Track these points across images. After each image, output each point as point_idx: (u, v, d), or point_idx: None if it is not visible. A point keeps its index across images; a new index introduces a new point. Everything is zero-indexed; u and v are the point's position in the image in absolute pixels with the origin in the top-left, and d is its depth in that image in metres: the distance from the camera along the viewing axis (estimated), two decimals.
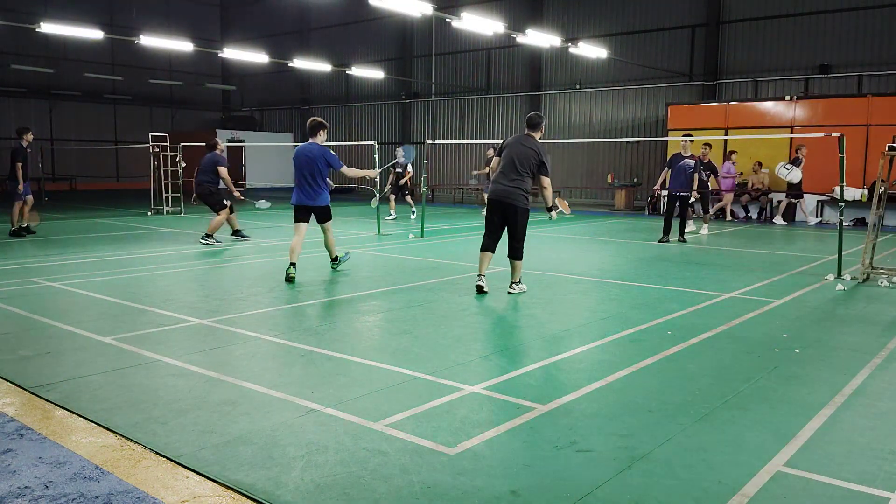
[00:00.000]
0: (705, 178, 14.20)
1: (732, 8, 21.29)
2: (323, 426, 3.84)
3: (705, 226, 14.89)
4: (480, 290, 7.62)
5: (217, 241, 12.12)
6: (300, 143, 8.89)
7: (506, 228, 7.60)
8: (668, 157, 13.45)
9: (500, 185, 7.44)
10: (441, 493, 3.09)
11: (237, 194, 12.45)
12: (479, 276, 7.72)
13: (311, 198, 8.82)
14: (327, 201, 8.97)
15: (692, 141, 13.25)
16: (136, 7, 32.43)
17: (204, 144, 13.16)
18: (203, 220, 16.88)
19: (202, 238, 12.15)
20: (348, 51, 31.37)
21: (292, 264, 8.55)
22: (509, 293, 7.62)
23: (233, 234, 12.81)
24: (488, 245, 7.67)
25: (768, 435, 3.78)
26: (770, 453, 3.53)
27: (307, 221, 8.97)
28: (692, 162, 12.78)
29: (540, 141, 7.60)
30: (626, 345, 5.67)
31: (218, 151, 12.51)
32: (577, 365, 5.06)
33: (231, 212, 12.53)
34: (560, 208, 8.09)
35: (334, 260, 9.44)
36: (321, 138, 8.79)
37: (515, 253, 7.55)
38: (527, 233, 7.62)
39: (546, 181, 7.51)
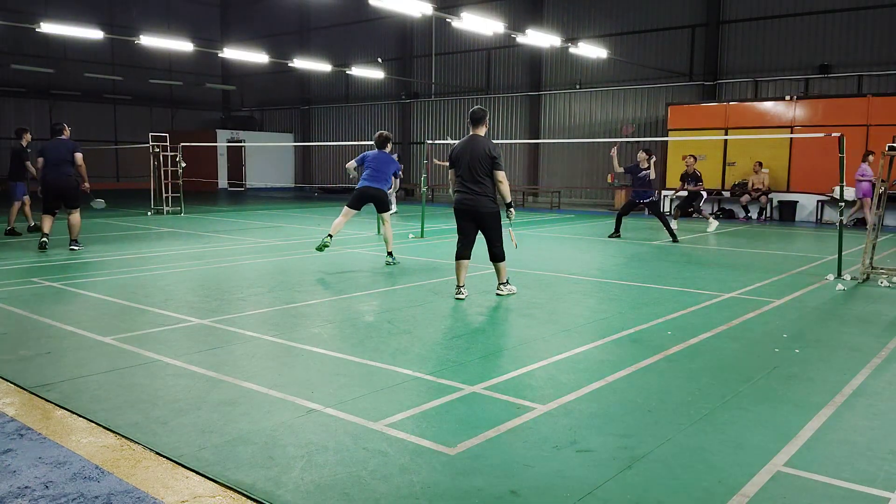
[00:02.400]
0: (691, 186, 14.84)
1: (732, 8, 21.29)
2: (323, 426, 3.84)
3: (713, 223, 15.41)
4: (460, 300, 7.42)
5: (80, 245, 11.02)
6: (369, 151, 10.09)
7: (480, 234, 7.52)
8: (629, 165, 13.63)
9: (463, 195, 7.34)
10: (441, 493, 3.09)
11: (87, 187, 11.01)
12: (459, 287, 7.47)
13: (378, 182, 9.64)
14: (387, 187, 9.82)
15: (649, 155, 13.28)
16: (136, 7, 32.44)
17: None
18: (202, 220, 16.89)
19: (71, 245, 10.88)
20: (348, 51, 31.38)
21: (329, 235, 9.69)
22: (498, 295, 7.56)
23: (31, 229, 11.09)
24: (463, 252, 7.50)
25: (768, 435, 3.78)
26: (770, 453, 3.53)
27: (358, 210, 9.82)
28: (646, 172, 13.09)
29: (487, 138, 7.39)
30: (626, 345, 5.67)
31: (66, 136, 10.90)
32: (577, 365, 5.06)
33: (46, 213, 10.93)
34: (511, 237, 7.78)
35: (389, 254, 9.98)
36: (388, 148, 10.02)
37: (496, 256, 7.50)
38: (527, 232, 7.60)
39: (500, 175, 7.25)
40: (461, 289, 7.48)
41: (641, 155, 13.23)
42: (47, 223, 10.92)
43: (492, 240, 7.45)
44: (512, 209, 7.64)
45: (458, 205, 7.45)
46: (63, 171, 10.72)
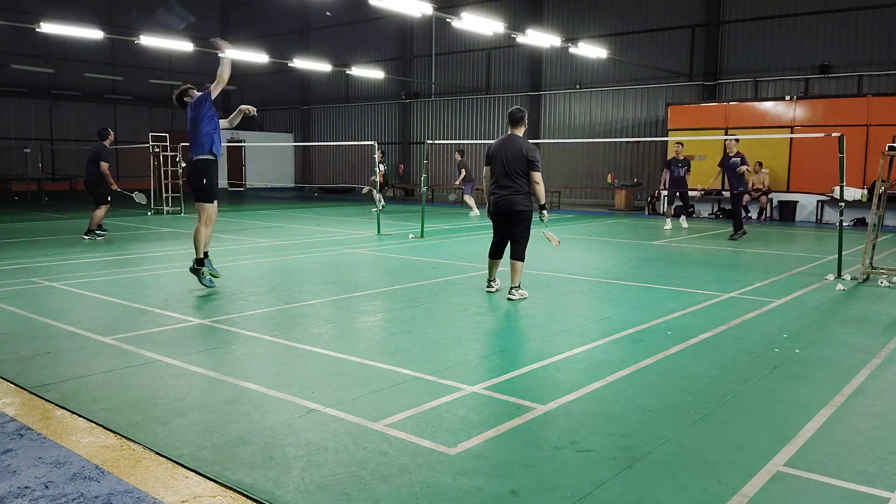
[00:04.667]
0: (682, 175, 14.70)
1: (732, 8, 21.29)
2: (323, 426, 3.84)
3: (684, 218, 15.82)
4: (490, 293, 7.71)
5: (101, 234, 12.46)
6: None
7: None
8: (720, 160, 13.66)
9: (499, 196, 7.31)
10: (441, 493, 3.09)
11: (115, 187, 12.75)
12: (489, 281, 7.77)
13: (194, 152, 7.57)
14: (199, 154, 7.50)
15: (737, 140, 13.35)
16: (136, 7, 32.42)
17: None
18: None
19: (85, 234, 12.42)
20: (348, 51, 31.38)
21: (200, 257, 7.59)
22: (509, 299, 7.33)
23: (96, 230, 12.68)
24: (494, 252, 7.68)
25: (768, 435, 3.78)
26: (770, 453, 3.53)
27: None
28: (738, 160, 13.12)
29: (525, 138, 7.38)
30: (626, 345, 5.67)
31: (106, 143, 12.62)
32: (577, 365, 5.06)
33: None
34: (550, 240, 7.82)
35: (198, 262, 7.61)
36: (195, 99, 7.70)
37: (516, 253, 7.39)
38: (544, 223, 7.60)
39: (537, 176, 7.20)
40: (491, 283, 7.72)
41: (730, 142, 13.14)
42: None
43: (516, 237, 7.38)
44: (545, 211, 7.59)
45: (494, 206, 7.42)
46: (88, 171, 12.57)
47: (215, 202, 7.67)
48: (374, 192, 21.15)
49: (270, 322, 6.37)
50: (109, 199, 12.54)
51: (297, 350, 5.41)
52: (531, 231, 7.54)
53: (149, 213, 18.29)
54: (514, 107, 7.51)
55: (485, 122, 27.47)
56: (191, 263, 7.71)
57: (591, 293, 8.00)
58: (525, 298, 7.43)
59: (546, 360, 5.17)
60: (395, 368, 4.89)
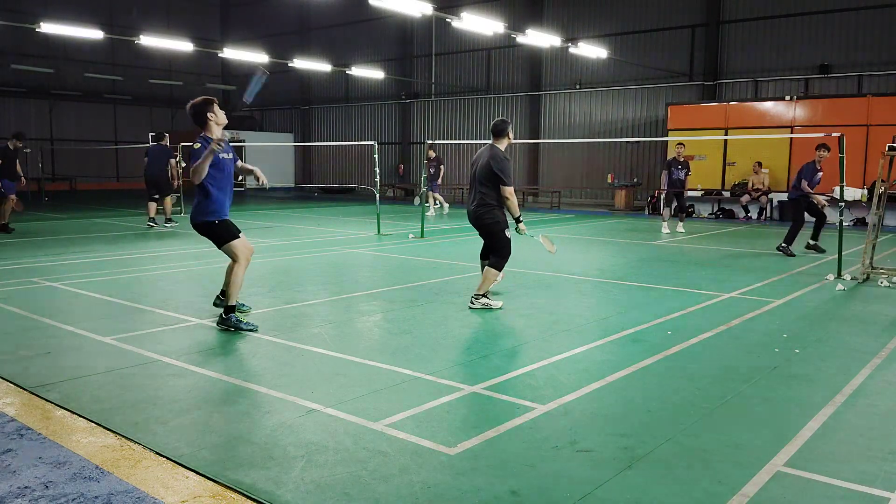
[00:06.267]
0: (682, 178, 14.43)
1: (732, 8, 21.29)
2: (323, 426, 3.84)
3: (681, 224, 15.12)
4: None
5: (167, 224, 14.79)
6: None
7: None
8: (802, 168, 12.52)
9: (469, 207, 7.19)
10: (441, 493, 3.09)
11: (178, 181, 15.84)
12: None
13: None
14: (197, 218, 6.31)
15: (828, 150, 12.32)
16: (136, 7, 32.43)
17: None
18: None
19: (166, 222, 14.85)
20: (348, 51, 31.37)
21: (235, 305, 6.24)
22: (469, 307, 6.93)
23: (165, 220, 15.00)
24: (481, 253, 7.53)
25: (768, 435, 3.78)
26: (770, 453, 3.53)
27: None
28: (820, 175, 12.20)
29: (506, 150, 7.17)
30: (626, 345, 5.67)
31: (165, 143, 15.12)
32: (577, 365, 5.06)
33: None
34: (545, 245, 7.71)
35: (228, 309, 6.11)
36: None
37: (491, 262, 7.07)
38: (528, 233, 7.57)
39: (506, 191, 6.95)
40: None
41: (820, 154, 12.10)
42: (152, 209, 14.65)
43: (491, 248, 7.20)
44: (521, 224, 7.26)
45: (468, 217, 7.34)
46: (155, 168, 14.63)
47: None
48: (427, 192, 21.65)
49: (270, 322, 6.36)
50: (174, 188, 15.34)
51: (297, 350, 5.41)
52: (514, 238, 7.32)
53: None
54: (498, 118, 7.32)
55: (485, 122, 27.45)
56: (219, 310, 6.35)
57: (591, 293, 8.00)
58: (490, 309, 6.90)
59: (546, 360, 5.17)
60: (395, 368, 4.89)
